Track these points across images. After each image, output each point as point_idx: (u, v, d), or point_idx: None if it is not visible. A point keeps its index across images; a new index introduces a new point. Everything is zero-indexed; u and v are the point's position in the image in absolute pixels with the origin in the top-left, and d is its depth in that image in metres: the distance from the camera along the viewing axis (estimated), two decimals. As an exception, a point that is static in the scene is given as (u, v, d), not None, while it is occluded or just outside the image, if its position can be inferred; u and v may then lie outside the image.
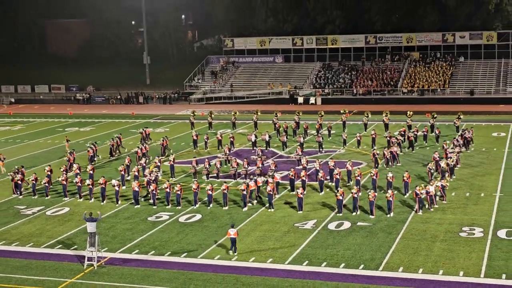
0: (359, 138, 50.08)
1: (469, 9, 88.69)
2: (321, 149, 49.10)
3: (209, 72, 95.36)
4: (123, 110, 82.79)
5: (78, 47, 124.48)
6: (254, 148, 49.61)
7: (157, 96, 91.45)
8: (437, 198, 34.88)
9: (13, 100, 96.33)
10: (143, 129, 56.22)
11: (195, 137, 52.25)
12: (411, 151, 48.14)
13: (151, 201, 36.86)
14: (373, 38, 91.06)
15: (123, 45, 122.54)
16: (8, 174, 41.69)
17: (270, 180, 37.03)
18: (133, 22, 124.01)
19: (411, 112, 57.53)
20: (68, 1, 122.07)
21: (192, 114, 63.06)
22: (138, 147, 48.68)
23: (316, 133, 53.06)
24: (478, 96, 79.17)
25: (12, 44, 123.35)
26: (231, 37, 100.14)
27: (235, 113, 62.47)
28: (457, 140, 47.33)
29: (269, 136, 50.99)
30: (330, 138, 53.91)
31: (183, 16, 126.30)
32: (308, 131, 55.56)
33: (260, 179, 38.34)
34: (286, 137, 51.94)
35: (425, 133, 51.09)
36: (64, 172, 41.21)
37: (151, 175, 38.83)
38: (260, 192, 37.63)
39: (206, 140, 51.71)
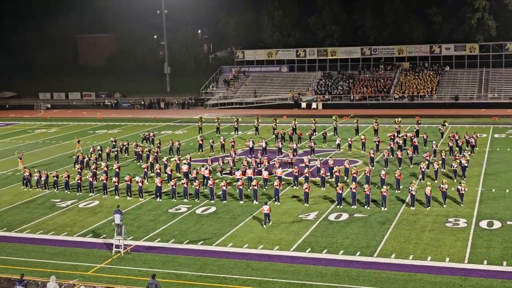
0: (350, 143, 48.89)
1: (454, 24, 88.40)
2: (312, 154, 47.18)
3: (223, 80, 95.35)
4: (147, 114, 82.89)
5: (106, 59, 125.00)
6: (251, 153, 48.22)
7: (176, 102, 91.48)
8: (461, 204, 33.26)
9: (49, 105, 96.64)
10: (142, 132, 56.46)
11: (200, 141, 51.12)
12: (416, 155, 45.38)
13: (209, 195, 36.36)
14: (368, 50, 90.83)
15: (146, 57, 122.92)
16: (35, 175, 41.36)
17: (264, 173, 38.28)
18: (155, 37, 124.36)
19: (400, 119, 56.47)
20: (97, 18, 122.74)
21: (200, 120, 61.99)
22: (158, 146, 49.02)
23: (309, 139, 51.45)
24: (462, 102, 78.72)
25: (49, 57, 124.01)
26: (242, 49, 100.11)
27: (238, 119, 61.26)
28: (456, 144, 46.05)
29: (266, 143, 49.45)
30: (326, 143, 52.35)
31: (199, 31, 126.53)
32: (301, 138, 53.66)
33: (250, 171, 38.67)
34: (282, 143, 50.63)
35: (412, 137, 49.34)
36: (95, 170, 41.36)
37: (206, 170, 38.94)
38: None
39: (211, 144, 50.59)
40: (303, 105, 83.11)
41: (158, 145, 50.13)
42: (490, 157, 45.63)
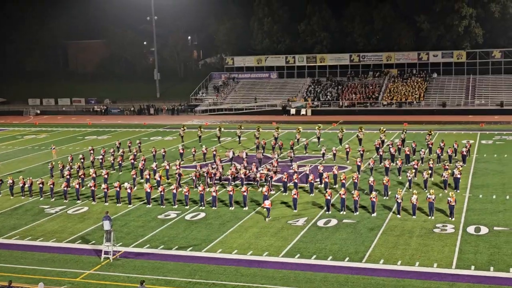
0: (334, 152, 47.73)
1: (441, 31, 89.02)
2: (292, 164, 44.08)
3: (212, 86, 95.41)
4: (136, 120, 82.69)
5: (96, 65, 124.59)
6: (233, 162, 45.59)
7: (166, 108, 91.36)
8: (451, 218, 32.06)
9: (38, 111, 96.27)
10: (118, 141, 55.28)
11: (181, 150, 49.92)
12: (408, 164, 43.80)
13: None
14: (357, 57, 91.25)
15: (136, 63, 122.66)
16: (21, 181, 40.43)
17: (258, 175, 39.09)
18: (145, 43, 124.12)
19: (384, 128, 54.78)
20: (88, 24, 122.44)
21: (182, 128, 60.06)
22: (134, 154, 48.11)
23: (290, 149, 49.42)
24: (449, 108, 79.26)
25: (39, 62, 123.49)
26: (232, 55, 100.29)
27: (220, 128, 59.33)
28: (442, 151, 45.57)
29: (246, 154, 47.29)
30: (306, 153, 50.46)
31: (189, 38, 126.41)
32: (282, 148, 51.99)
33: (242, 172, 39.75)
34: (263, 154, 48.73)
35: (399, 146, 48.75)
36: (82, 176, 41.01)
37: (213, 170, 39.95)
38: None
39: (193, 153, 49.20)
40: (292, 111, 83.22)
41: (135, 153, 48.83)
42: (477, 163, 45.82)
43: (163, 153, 49.02)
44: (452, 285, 23.84)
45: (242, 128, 59.84)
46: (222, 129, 60.65)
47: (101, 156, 48.52)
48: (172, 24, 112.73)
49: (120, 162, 46.50)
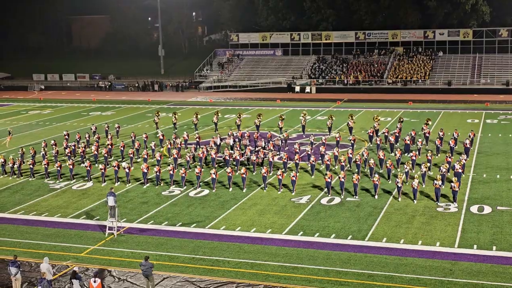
0: (324, 141, 42.80)
1: (448, 9, 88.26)
2: (279, 152, 42.28)
3: (217, 63, 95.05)
4: (141, 96, 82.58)
5: (101, 41, 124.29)
6: (231, 151, 41.88)
7: (170, 85, 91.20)
8: (454, 204, 31.14)
9: (43, 87, 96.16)
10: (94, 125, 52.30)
11: (161, 137, 46.33)
12: (407, 155, 40.79)
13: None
14: (362, 34, 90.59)
15: (140, 39, 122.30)
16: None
17: (252, 157, 38.78)
18: (149, 19, 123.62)
19: (379, 116, 50.86)
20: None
21: (156, 114, 55.89)
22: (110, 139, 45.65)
23: (267, 143, 44.62)
24: (455, 87, 78.85)
25: (43, 38, 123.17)
26: (237, 32, 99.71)
27: (197, 114, 54.16)
28: (441, 141, 42.31)
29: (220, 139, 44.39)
30: (287, 148, 44.44)
31: (194, 14, 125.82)
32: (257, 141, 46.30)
33: (236, 153, 39.54)
34: (248, 142, 45.04)
35: (397, 134, 45.02)
36: (73, 157, 40.66)
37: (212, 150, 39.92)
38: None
39: (174, 139, 44.45)
40: (297, 89, 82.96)
41: (110, 138, 45.57)
42: (482, 142, 45.71)
43: (145, 138, 45.33)
44: (454, 264, 23.92)
45: (219, 114, 55.00)
46: (199, 118, 55.07)
47: (74, 143, 45.33)
48: (177, 0, 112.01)
49: (95, 153, 42.53)
